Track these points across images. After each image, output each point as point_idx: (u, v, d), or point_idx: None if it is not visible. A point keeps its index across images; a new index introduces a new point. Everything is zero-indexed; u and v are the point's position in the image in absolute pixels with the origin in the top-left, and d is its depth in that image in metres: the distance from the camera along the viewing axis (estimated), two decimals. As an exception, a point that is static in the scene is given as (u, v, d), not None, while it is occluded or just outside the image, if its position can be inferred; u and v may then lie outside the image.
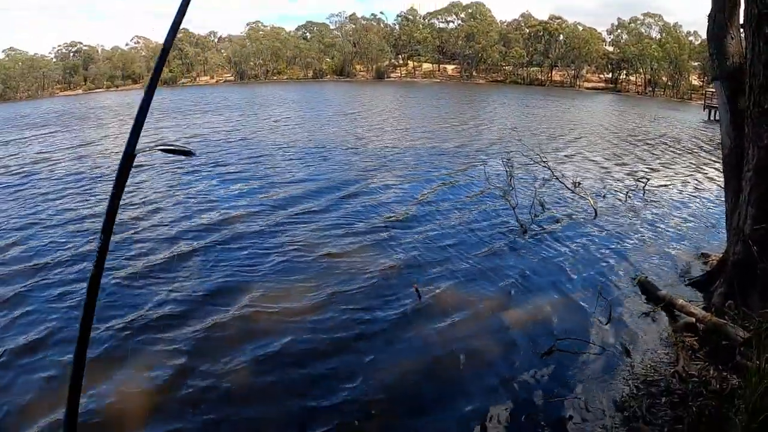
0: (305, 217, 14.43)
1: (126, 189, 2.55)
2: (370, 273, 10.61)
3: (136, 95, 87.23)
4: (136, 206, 15.52)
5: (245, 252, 11.90)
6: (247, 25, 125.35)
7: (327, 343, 8.03)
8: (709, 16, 8.88)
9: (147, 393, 6.86)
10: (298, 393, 6.84)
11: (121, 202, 2.52)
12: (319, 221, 14.05)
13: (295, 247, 12.12)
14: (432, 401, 6.69)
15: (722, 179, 9.54)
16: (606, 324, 8.47)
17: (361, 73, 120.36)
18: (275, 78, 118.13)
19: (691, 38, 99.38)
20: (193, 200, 16.56)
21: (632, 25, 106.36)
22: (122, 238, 12.51)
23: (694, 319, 7.96)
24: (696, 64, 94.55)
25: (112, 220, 2.50)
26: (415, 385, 7.02)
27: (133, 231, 13.28)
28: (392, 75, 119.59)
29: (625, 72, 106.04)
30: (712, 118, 46.52)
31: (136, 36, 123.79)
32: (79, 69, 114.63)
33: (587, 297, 9.50)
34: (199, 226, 13.77)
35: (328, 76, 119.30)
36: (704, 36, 9.32)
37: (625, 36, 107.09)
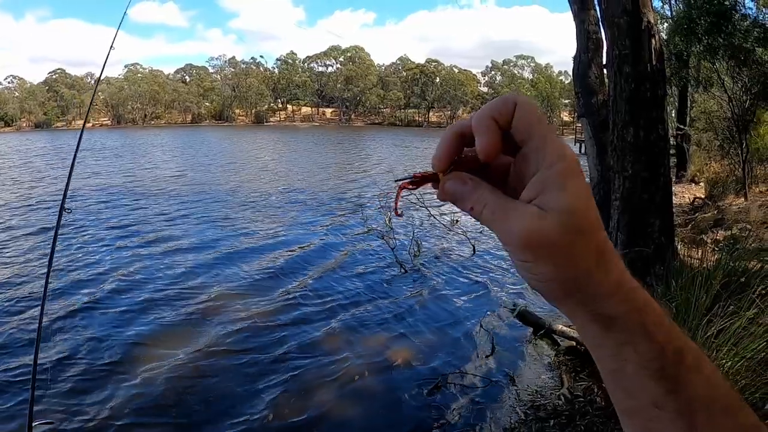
0: (179, 267, 13.56)
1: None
2: (250, 318, 10.15)
3: (12, 139, 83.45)
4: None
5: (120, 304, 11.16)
6: (126, 66, 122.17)
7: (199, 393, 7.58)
8: (575, 57, 9.35)
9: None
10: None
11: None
12: (196, 271, 13.39)
13: (174, 296, 11.59)
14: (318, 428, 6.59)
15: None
16: (490, 355, 8.43)
17: (241, 117, 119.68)
18: (153, 123, 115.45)
19: (561, 77, 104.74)
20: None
21: (506, 66, 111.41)
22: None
23: (574, 342, 8.26)
24: (566, 101, 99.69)
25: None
26: (301, 412, 6.87)
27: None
28: (271, 119, 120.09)
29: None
30: (582, 151, 48.81)
31: (11, 75, 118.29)
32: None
33: (470, 330, 9.50)
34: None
35: (207, 121, 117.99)
36: (572, 75, 9.84)
37: (499, 77, 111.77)
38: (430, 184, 0.70)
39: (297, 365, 8.28)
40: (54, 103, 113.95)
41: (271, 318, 10.21)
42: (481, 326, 9.34)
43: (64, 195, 4.47)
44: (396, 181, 0.72)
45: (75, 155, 4.97)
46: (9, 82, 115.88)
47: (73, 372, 8.13)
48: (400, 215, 0.48)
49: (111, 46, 5.38)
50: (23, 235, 17.34)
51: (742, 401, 0.60)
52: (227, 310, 10.60)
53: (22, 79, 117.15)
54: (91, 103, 9.06)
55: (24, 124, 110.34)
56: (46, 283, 4.05)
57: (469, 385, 7.54)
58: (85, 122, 6.77)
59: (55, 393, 7.41)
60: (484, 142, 0.60)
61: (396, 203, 0.75)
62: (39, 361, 4.72)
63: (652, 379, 0.60)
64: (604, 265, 0.62)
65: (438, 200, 0.59)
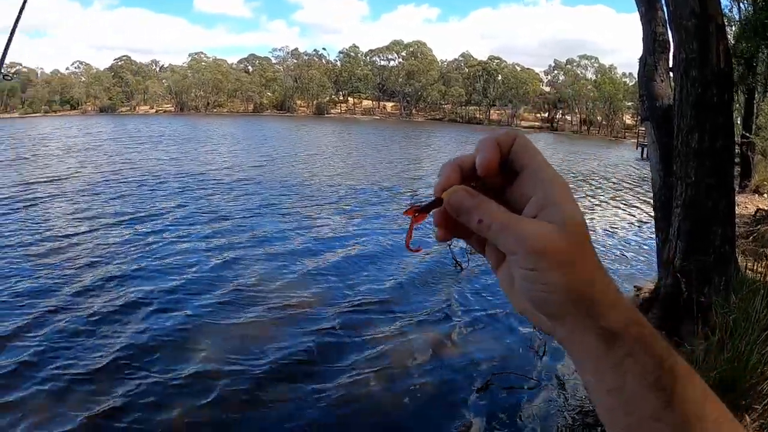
0: (235, 247, 14.44)
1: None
2: (307, 312, 10.39)
3: (77, 121, 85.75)
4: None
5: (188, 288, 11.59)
6: (190, 55, 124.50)
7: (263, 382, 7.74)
8: (640, 59, 9.16)
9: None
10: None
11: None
12: (258, 258, 13.79)
13: (238, 285, 11.78)
14: (358, 426, 6.76)
15: (653, 215, 9.85)
16: (542, 357, 8.47)
17: (302, 108, 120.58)
18: (215, 111, 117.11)
19: (625, 79, 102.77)
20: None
21: (569, 66, 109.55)
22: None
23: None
24: (630, 104, 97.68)
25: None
26: (350, 426, 6.89)
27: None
28: (332, 111, 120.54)
29: (561, 111, 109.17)
30: (644, 156, 47.92)
31: (78, 61, 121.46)
32: (17, 92, 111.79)
33: (522, 331, 9.53)
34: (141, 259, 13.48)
35: (269, 111, 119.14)
36: (637, 78, 9.64)
37: (561, 77, 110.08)
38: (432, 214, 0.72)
39: (349, 357, 8.48)
40: (119, 89, 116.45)
41: (324, 309, 10.43)
42: (534, 328, 8.92)
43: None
44: (405, 213, 0.73)
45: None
46: (75, 68, 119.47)
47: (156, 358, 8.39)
48: (416, 250, 0.48)
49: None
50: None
51: (729, 412, 0.62)
52: (285, 301, 10.77)
53: (88, 64, 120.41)
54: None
55: (89, 108, 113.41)
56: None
57: (518, 385, 7.63)
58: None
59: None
60: (485, 156, 0.66)
61: (408, 238, 0.77)
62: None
63: (651, 391, 0.61)
64: (603, 277, 0.65)
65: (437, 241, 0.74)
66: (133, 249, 14.08)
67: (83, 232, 15.85)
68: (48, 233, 15.70)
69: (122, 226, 16.69)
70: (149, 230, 16.20)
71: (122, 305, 10.18)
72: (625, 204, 24.10)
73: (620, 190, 28.95)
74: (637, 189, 29.16)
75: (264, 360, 8.20)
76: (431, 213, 0.71)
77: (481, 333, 9.67)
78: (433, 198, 0.70)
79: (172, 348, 8.55)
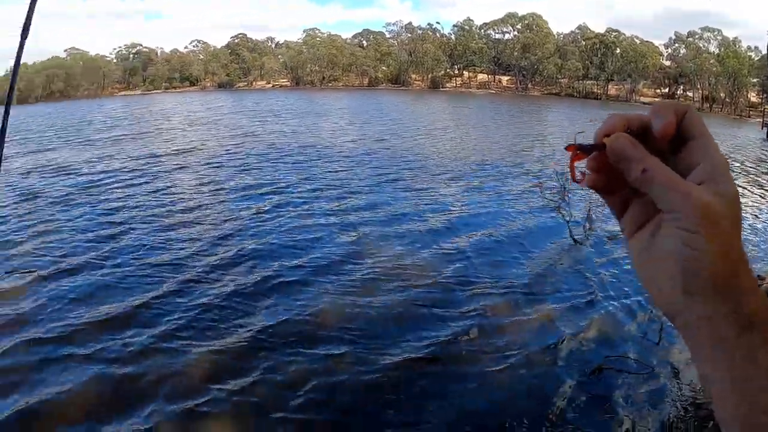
0: (364, 224, 14.62)
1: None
2: (422, 283, 10.60)
3: (197, 96, 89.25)
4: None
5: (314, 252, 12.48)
6: (305, 31, 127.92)
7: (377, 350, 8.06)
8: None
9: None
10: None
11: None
12: (383, 234, 14.05)
13: (364, 263, 12.07)
14: (478, 412, 6.77)
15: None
16: (657, 344, 8.34)
17: (417, 82, 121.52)
18: (330, 85, 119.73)
19: (751, 53, 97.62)
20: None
21: (690, 39, 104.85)
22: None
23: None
24: (755, 80, 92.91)
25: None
26: (463, 397, 6.99)
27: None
28: (447, 85, 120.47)
29: (682, 87, 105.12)
30: (769, 137, 46.16)
31: (196, 39, 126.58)
32: (138, 70, 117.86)
33: (638, 315, 9.42)
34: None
35: (383, 84, 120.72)
36: (765, 51, 9.13)
37: (682, 50, 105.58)
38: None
39: (459, 332, 8.69)
40: (236, 65, 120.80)
41: (439, 282, 10.70)
42: (651, 313, 9.24)
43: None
44: (566, 148, 0.74)
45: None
46: (194, 46, 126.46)
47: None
48: (579, 180, 0.71)
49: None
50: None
51: None
52: (401, 273, 11.11)
53: (205, 43, 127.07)
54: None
55: (207, 84, 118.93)
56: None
57: (632, 371, 7.59)
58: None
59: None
60: (668, 119, 0.66)
61: (572, 171, 0.76)
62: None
63: None
64: (746, 261, 0.63)
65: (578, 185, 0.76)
66: (259, 222, 14.70)
67: (209, 205, 16.76)
68: (175, 206, 16.74)
69: (248, 199, 17.49)
70: (275, 204, 16.73)
71: (248, 280, 10.62)
72: (750, 188, 23.65)
73: (744, 173, 27.59)
74: (761, 172, 28.20)
75: (392, 343, 8.27)
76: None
77: (595, 314, 9.51)
78: (597, 143, 0.71)
79: (299, 326, 8.70)
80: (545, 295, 10.23)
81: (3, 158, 2.38)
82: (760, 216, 18.52)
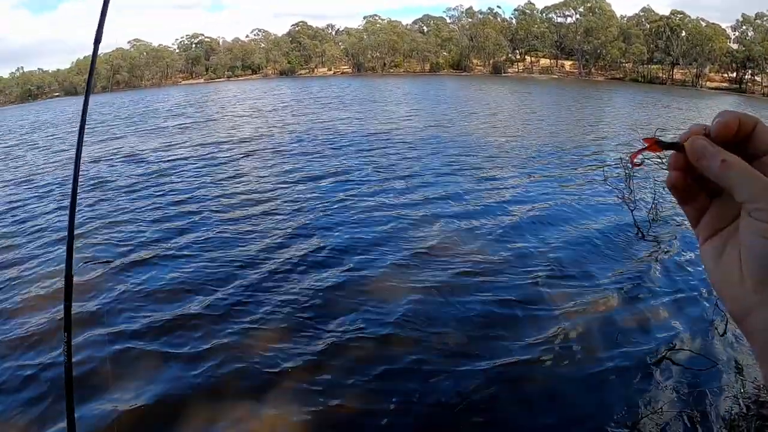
0: (434, 216, 14.29)
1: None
2: (482, 263, 10.88)
3: (260, 84, 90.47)
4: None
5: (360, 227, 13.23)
6: (365, 18, 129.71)
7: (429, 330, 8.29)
8: None
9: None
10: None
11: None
12: (421, 209, 14.63)
13: (394, 228, 13.04)
14: (536, 393, 6.93)
15: None
16: (721, 336, 8.20)
17: (478, 67, 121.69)
18: (392, 71, 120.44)
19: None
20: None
21: (758, 21, 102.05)
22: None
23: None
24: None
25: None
26: (522, 376, 7.19)
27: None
28: (509, 70, 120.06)
29: (750, 72, 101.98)
30: None
31: (257, 28, 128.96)
32: (201, 59, 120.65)
33: (703, 306, 9.31)
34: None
35: (445, 70, 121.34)
36: None
37: (750, 33, 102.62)
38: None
39: (523, 323, 8.68)
40: (297, 53, 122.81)
41: (501, 275, 10.55)
42: (717, 305, 8.82)
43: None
44: (644, 139, 0.77)
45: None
46: (255, 35, 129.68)
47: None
48: (638, 164, 0.87)
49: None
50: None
51: None
52: (451, 259, 11.20)
53: (266, 31, 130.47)
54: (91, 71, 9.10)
55: (269, 72, 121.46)
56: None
57: (693, 363, 7.40)
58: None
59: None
60: (725, 120, 0.68)
61: (634, 156, 0.81)
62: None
63: None
64: None
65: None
66: (330, 213, 14.60)
67: (279, 194, 16.73)
68: (245, 195, 16.81)
69: (317, 189, 17.41)
70: (345, 194, 16.59)
71: (310, 262, 10.96)
72: None
73: None
74: None
75: (439, 327, 8.43)
76: (664, 153, 0.77)
77: (659, 305, 9.42)
78: (676, 142, 0.73)
79: (375, 327, 8.48)
80: (609, 287, 10.09)
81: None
82: None
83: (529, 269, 10.69)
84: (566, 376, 7.21)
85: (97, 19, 2.92)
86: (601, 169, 18.24)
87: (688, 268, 10.95)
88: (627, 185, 13.85)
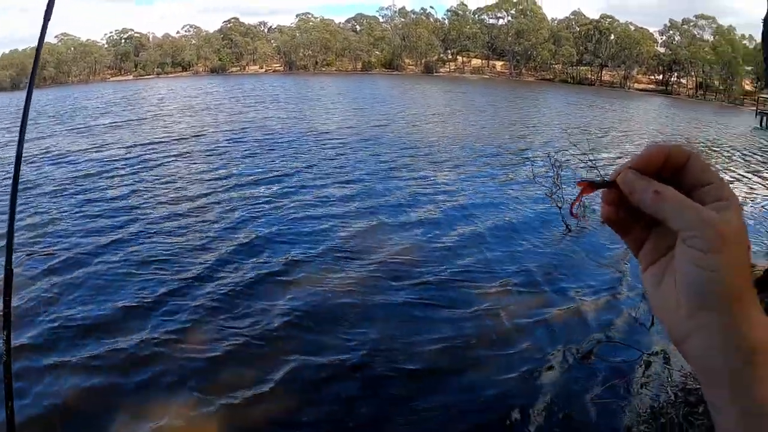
0: (362, 214, 14.58)
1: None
2: (410, 264, 10.91)
3: (190, 81, 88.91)
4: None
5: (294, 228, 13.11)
6: (297, 16, 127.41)
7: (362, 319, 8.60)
8: (764, 19, 8.09)
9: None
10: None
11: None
12: (355, 207, 14.86)
13: (331, 227, 13.08)
14: (458, 390, 6.91)
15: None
16: (649, 328, 8.30)
17: (410, 66, 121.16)
18: (324, 69, 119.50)
19: (745, 42, 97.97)
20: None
21: (685, 26, 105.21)
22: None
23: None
24: (749, 68, 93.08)
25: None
26: (450, 378, 7.14)
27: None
28: (441, 70, 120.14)
29: (675, 74, 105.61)
30: (763, 125, 46.36)
31: (188, 24, 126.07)
32: (130, 55, 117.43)
33: (631, 300, 9.45)
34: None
35: (377, 69, 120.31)
36: (759, 40, 9.17)
37: (677, 37, 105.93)
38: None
39: (448, 317, 8.80)
40: (228, 50, 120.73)
41: (427, 266, 10.84)
42: (644, 297, 8.73)
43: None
44: (578, 183, 0.78)
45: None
46: (186, 31, 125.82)
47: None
48: (577, 216, 0.72)
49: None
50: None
51: None
52: (382, 255, 11.38)
53: (198, 27, 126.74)
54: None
55: (200, 69, 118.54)
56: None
57: (623, 355, 7.67)
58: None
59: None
60: (649, 152, 0.69)
61: (575, 202, 0.83)
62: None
63: None
64: (753, 289, 0.65)
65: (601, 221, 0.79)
66: (260, 212, 14.62)
67: (212, 193, 16.63)
68: (178, 195, 16.59)
69: (249, 187, 17.41)
70: (277, 192, 16.75)
71: (239, 263, 10.91)
72: (743, 176, 23.39)
73: (738, 160, 27.96)
74: (754, 160, 28.34)
75: (362, 324, 8.48)
76: (598, 192, 0.77)
77: (587, 299, 9.62)
78: (608, 180, 0.75)
79: (295, 320, 8.60)
80: (535, 279, 10.39)
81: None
82: (756, 202, 18.65)
83: (459, 266, 10.85)
84: (494, 372, 7.28)
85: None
86: (532, 166, 18.51)
87: (614, 263, 11.25)
88: (555, 182, 14.21)
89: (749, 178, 23.54)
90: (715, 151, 30.88)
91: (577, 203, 0.81)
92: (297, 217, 14.04)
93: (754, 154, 31.20)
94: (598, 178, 0.76)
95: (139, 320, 8.48)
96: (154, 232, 12.91)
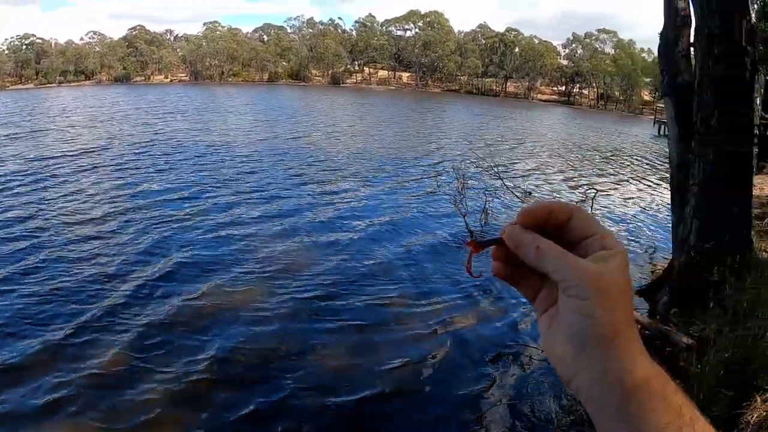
0: (250, 222, 14.51)
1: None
2: (317, 278, 10.67)
3: (94, 91, 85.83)
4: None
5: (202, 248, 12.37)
6: (204, 24, 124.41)
7: (273, 339, 8.22)
8: (661, 33, 9.04)
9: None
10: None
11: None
12: (266, 223, 14.34)
13: (247, 248, 12.31)
14: (377, 405, 6.75)
15: (669, 192, 9.77)
16: None
17: (317, 78, 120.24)
18: (230, 80, 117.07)
19: (644, 54, 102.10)
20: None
21: (587, 40, 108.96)
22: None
23: (639, 326, 8.07)
24: (648, 79, 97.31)
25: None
26: (361, 390, 6.99)
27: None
28: (348, 81, 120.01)
29: (578, 86, 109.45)
30: (661, 133, 48.08)
31: (92, 31, 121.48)
32: (31, 62, 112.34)
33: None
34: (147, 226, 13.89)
35: (284, 80, 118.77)
36: (656, 53, 9.50)
37: (579, 50, 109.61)
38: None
39: (356, 327, 8.68)
40: (133, 58, 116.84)
41: (332, 278, 10.69)
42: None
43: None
44: (465, 243, 0.81)
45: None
46: (90, 38, 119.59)
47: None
48: (476, 276, 0.54)
49: None
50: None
51: None
52: (287, 269, 11.07)
53: (102, 34, 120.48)
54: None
55: (104, 78, 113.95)
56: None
57: (528, 359, 7.83)
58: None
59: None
60: (531, 208, 0.74)
61: (469, 264, 0.86)
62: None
63: None
64: (634, 329, 0.69)
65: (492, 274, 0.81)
66: (168, 225, 14.07)
67: (119, 212, 15.47)
68: (83, 213, 15.25)
69: (158, 204, 16.38)
70: (183, 205, 16.10)
71: (149, 284, 10.19)
72: (642, 181, 24.53)
73: (637, 167, 29.44)
74: (655, 166, 29.60)
75: (266, 344, 8.18)
76: (488, 249, 0.80)
77: (495, 306, 9.76)
78: (495, 237, 0.78)
79: (190, 327, 8.49)
80: (441, 288, 10.51)
81: None
82: (651, 207, 19.14)
83: (368, 282, 10.73)
84: (404, 384, 7.20)
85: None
86: (439, 178, 19.16)
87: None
88: (460, 193, 14.17)
89: (651, 182, 24.53)
90: (621, 158, 32.19)
91: (471, 263, 0.86)
92: (211, 239, 13.30)
93: (655, 160, 32.88)
94: (486, 237, 0.81)
95: (39, 367, 7.42)
96: (57, 259, 11.59)
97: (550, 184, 22.31)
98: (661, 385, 0.67)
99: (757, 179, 16.80)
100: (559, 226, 0.74)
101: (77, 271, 10.91)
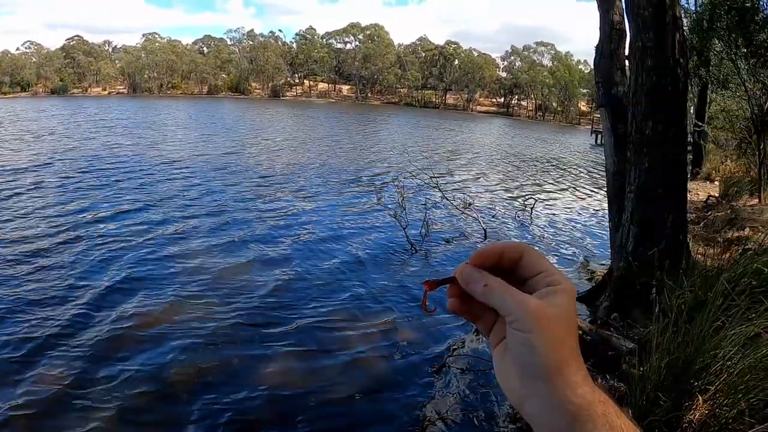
0: (191, 239, 13.98)
1: None
2: (257, 294, 10.48)
3: (31, 103, 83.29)
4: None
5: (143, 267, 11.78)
6: (143, 36, 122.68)
7: (214, 356, 7.94)
8: (597, 46, 9.26)
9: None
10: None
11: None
12: (207, 241, 13.86)
13: (185, 265, 12.04)
14: (315, 414, 6.61)
15: (607, 200, 9.96)
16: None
17: (257, 90, 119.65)
18: (169, 92, 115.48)
19: (581, 66, 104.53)
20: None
21: (525, 52, 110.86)
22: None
23: (580, 332, 8.20)
24: (585, 91, 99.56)
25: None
26: (307, 410, 6.73)
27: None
28: (288, 94, 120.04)
29: (517, 97, 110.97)
30: (598, 142, 49.30)
31: (29, 41, 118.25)
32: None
33: None
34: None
35: (224, 93, 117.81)
36: (593, 65, 9.73)
37: (518, 63, 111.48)
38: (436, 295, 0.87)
39: (300, 341, 8.47)
40: (71, 70, 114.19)
41: (274, 292, 10.49)
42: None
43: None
44: (423, 283, 0.86)
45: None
46: (26, 48, 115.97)
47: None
48: (431, 311, 0.62)
49: None
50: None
51: None
52: (228, 284, 10.78)
53: (39, 44, 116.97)
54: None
55: (40, 90, 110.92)
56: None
57: (473, 368, 7.66)
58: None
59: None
60: (484, 249, 0.81)
61: (424, 302, 0.91)
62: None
63: None
64: (578, 358, 0.74)
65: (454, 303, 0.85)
66: (114, 252, 12.96)
67: (59, 232, 14.44)
68: (18, 234, 14.07)
69: (99, 225, 15.35)
70: (130, 229, 15.02)
71: (90, 305, 9.69)
72: (581, 190, 25.04)
73: (576, 175, 30.01)
74: (593, 175, 30.31)
75: (208, 358, 7.92)
76: (443, 288, 0.86)
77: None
78: (449, 276, 0.83)
79: (132, 347, 8.09)
80: (382, 301, 10.34)
81: None
82: (589, 215, 19.43)
83: (310, 297, 10.49)
84: (348, 395, 7.04)
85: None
86: (379, 190, 18.62)
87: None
88: (400, 205, 14.42)
89: (589, 190, 25.26)
90: (559, 167, 32.77)
91: (427, 303, 0.91)
92: (147, 256, 12.77)
93: (592, 168, 33.78)
94: (441, 277, 0.86)
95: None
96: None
97: (491, 193, 22.54)
98: (603, 410, 0.71)
99: (691, 185, 17.34)
100: (512, 265, 0.80)
101: (6, 293, 10.26)
